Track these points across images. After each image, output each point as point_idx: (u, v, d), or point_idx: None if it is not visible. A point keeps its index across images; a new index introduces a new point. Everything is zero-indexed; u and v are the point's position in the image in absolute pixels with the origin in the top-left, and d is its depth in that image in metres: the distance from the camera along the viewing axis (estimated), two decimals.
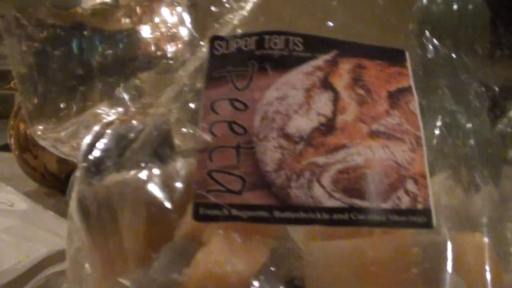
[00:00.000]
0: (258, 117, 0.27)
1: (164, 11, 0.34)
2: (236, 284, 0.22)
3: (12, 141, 0.63)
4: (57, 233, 0.42)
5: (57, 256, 0.41)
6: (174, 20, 0.33)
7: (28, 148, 0.60)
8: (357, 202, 0.25)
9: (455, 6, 0.35)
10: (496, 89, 0.29)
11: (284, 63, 0.28)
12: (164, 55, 0.33)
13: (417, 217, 0.24)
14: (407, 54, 0.29)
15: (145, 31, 0.34)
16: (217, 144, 0.26)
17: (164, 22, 0.33)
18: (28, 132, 0.60)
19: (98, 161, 0.28)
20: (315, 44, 0.29)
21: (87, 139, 0.29)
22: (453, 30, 0.34)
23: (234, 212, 0.24)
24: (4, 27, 0.30)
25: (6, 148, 0.67)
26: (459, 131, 0.28)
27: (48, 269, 0.40)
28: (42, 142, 0.32)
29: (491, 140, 0.29)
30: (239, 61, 0.28)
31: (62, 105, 0.32)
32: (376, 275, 0.24)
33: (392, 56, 0.29)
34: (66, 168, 0.60)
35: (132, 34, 0.34)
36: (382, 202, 0.25)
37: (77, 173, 0.29)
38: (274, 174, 0.25)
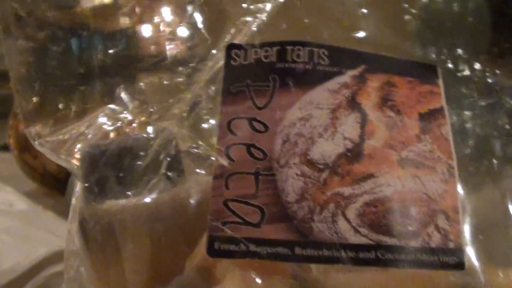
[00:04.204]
0: (279, 140, 0.25)
1: (166, 10, 0.31)
2: None
3: (11, 141, 0.61)
4: (56, 233, 0.41)
5: (56, 257, 0.40)
6: (182, 19, 0.30)
7: (27, 148, 0.58)
8: (385, 239, 0.23)
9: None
10: None
11: (308, 79, 0.26)
12: (173, 58, 0.30)
13: (448, 257, 0.23)
14: (439, 70, 0.27)
15: (147, 30, 0.31)
16: (235, 170, 0.24)
17: (171, 21, 0.31)
18: None
19: (100, 181, 0.26)
20: (342, 57, 0.26)
21: (87, 154, 0.26)
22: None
23: (252, 247, 0.22)
24: (3, 26, 0.28)
25: (5, 148, 0.65)
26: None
27: (47, 269, 0.40)
28: (38, 148, 0.30)
29: None
30: (259, 74, 0.26)
31: (60, 106, 0.30)
32: None
33: (424, 72, 0.27)
34: (66, 169, 0.58)
35: (133, 34, 0.31)
36: (411, 239, 0.23)
37: (77, 190, 0.27)
38: (296, 205, 0.23)
